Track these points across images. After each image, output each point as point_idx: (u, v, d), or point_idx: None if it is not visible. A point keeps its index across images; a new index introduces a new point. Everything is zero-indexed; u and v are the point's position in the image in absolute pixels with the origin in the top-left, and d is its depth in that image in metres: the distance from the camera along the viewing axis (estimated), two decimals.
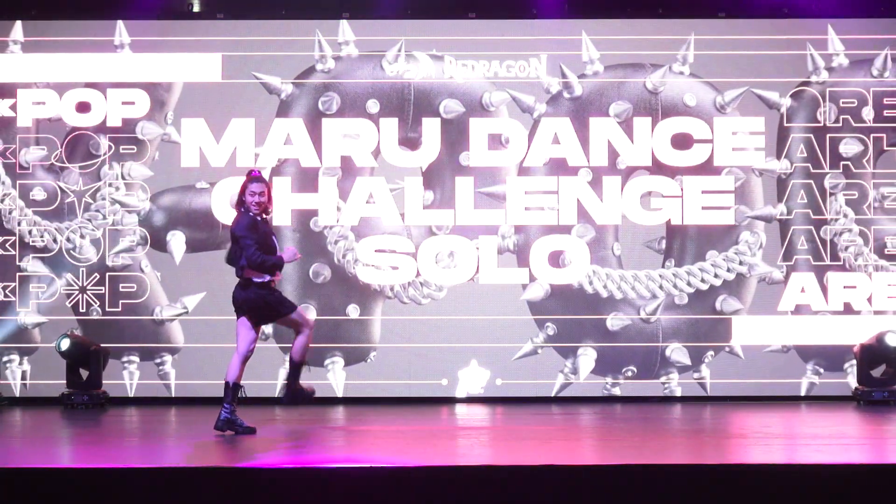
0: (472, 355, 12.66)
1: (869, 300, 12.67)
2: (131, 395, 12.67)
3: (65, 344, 12.40)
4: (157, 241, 12.75)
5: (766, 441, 10.05)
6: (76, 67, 12.94)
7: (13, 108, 12.90)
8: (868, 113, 12.81)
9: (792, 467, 8.51)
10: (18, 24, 12.91)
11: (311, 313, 12.02)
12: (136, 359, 12.66)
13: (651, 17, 13.01)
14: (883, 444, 10.13)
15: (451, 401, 12.72)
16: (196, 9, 13.21)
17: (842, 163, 12.79)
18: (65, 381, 12.48)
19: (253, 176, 10.15)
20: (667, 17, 13.01)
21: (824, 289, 12.66)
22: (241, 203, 10.09)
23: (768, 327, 12.67)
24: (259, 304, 10.06)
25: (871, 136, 12.82)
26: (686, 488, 8.05)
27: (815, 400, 12.74)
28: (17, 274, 12.77)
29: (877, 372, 12.50)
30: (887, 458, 9.23)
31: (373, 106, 12.73)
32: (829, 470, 8.33)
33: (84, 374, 12.52)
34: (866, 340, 12.51)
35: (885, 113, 12.87)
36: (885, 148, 12.81)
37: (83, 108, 12.89)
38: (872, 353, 12.51)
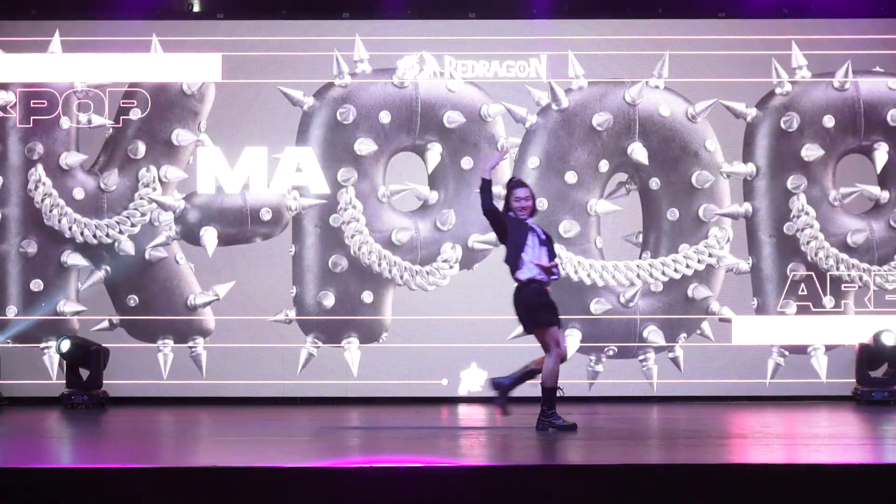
0: (472, 356, 13.44)
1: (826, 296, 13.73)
2: (165, 376, 13.56)
3: (65, 346, 12.99)
4: (191, 236, 13.68)
5: (766, 441, 10.12)
6: (75, 67, 13.57)
7: (13, 107, 13.53)
8: (829, 121, 13.68)
9: (792, 467, 8.56)
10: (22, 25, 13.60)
11: (568, 341, 11.52)
12: (170, 342, 13.64)
13: (651, 17, 13.59)
14: (883, 444, 10.16)
15: (451, 401, 13.27)
16: (196, 9, 13.64)
17: (804, 166, 13.69)
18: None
19: (514, 182, 10.75)
20: (667, 18, 13.62)
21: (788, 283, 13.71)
22: (507, 208, 10.63)
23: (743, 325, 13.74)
24: (531, 306, 10.56)
25: (831, 141, 13.69)
26: (686, 488, 8.12)
27: (814, 400, 13.30)
28: (58, 267, 13.59)
29: (878, 372, 13.08)
30: (887, 458, 9.31)
31: (385, 117, 13.62)
32: (829, 470, 8.37)
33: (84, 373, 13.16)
34: (865, 340, 13.13)
35: (845, 120, 13.70)
36: (844, 152, 13.75)
37: (98, 110, 13.59)
38: (871, 353, 13.05)
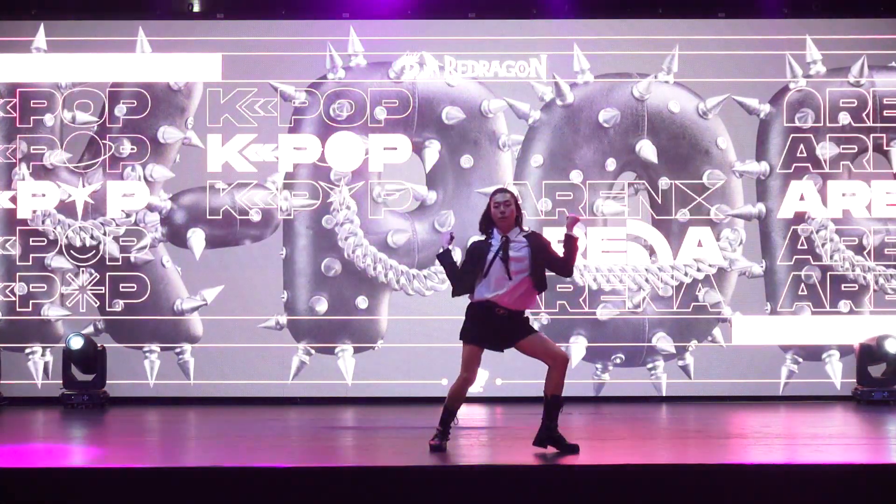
0: None
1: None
2: (152, 383, 13.21)
3: (77, 343, 12.78)
4: (178, 238, 13.33)
5: (766, 441, 10.17)
6: (75, 67, 13.38)
7: (13, 107, 13.36)
8: (844, 118, 13.37)
9: (792, 467, 8.65)
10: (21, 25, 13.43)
11: (573, 348, 12.35)
12: (156, 349, 13.26)
13: (651, 16, 13.42)
14: (883, 444, 10.24)
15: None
16: (196, 9, 13.55)
17: (819, 164, 13.34)
18: (89, 376, 12.97)
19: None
20: (667, 17, 13.43)
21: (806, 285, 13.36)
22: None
23: (754, 325, 13.35)
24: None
25: (846, 138, 13.39)
26: (686, 488, 8.20)
27: (814, 400, 13.11)
28: (42, 270, 13.26)
29: (876, 371, 12.93)
30: (887, 458, 9.38)
31: (380, 112, 13.32)
32: (829, 470, 8.46)
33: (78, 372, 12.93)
34: (866, 340, 12.99)
35: (861, 118, 13.38)
36: (860, 150, 13.38)
37: (83, 108, 13.37)
38: (872, 355, 12.91)
